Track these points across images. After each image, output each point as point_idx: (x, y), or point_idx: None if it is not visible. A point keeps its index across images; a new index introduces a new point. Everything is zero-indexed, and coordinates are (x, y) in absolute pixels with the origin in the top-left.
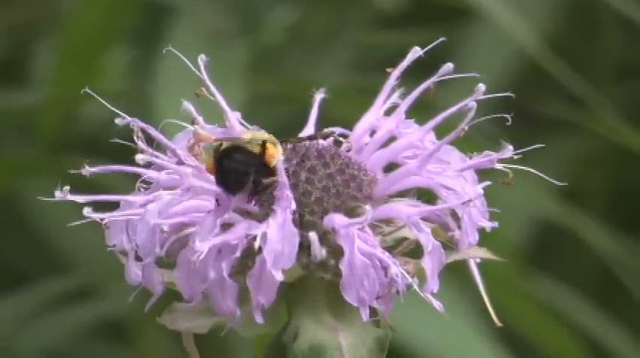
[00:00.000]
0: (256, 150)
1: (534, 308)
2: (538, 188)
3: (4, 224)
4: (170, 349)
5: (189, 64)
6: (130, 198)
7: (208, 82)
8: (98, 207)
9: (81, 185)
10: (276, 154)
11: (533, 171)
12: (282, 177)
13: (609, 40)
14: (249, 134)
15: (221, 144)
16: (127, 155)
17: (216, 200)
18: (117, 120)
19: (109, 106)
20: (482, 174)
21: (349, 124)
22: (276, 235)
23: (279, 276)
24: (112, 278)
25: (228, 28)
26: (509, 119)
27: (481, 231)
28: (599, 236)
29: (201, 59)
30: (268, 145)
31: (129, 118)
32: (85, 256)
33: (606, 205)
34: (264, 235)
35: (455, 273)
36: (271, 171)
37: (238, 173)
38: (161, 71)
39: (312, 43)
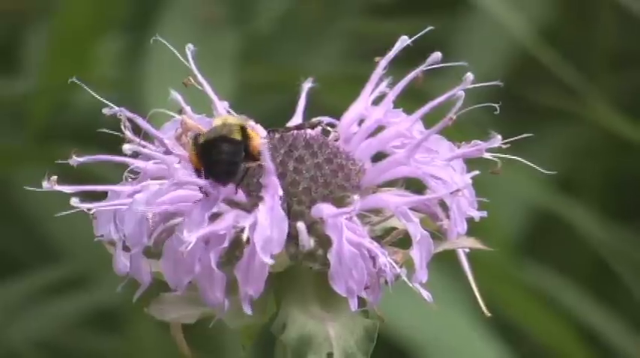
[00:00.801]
0: (237, 137)
1: (528, 297)
2: (533, 178)
3: None
4: (161, 338)
5: (177, 53)
6: (117, 187)
7: (196, 72)
8: (86, 196)
9: (72, 174)
10: (259, 141)
11: (521, 160)
12: (268, 163)
13: (606, 28)
14: (220, 119)
15: (198, 137)
16: (118, 144)
17: (204, 193)
18: (104, 110)
19: (98, 96)
20: (475, 163)
21: (342, 113)
22: (265, 220)
23: (268, 261)
24: (104, 267)
25: (219, 17)
26: (499, 108)
27: (476, 220)
28: (593, 225)
29: (189, 48)
30: (250, 133)
31: (116, 108)
32: (77, 245)
33: (601, 194)
34: (253, 225)
35: (448, 262)
36: (255, 158)
37: (228, 163)
38: (151, 60)
39: (305, 32)
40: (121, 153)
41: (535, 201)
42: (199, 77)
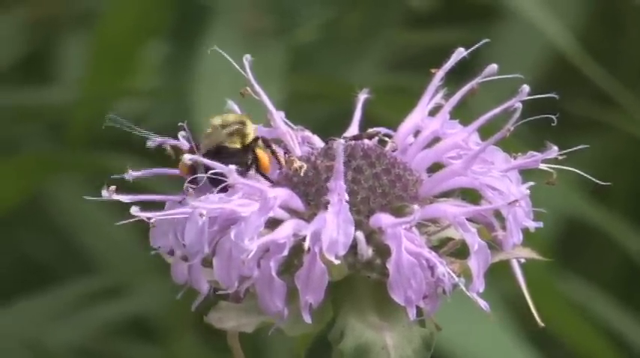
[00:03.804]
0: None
1: (562, 305)
2: (567, 187)
3: (33, 222)
4: (198, 347)
5: (232, 61)
6: (177, 197)
7: (253, 82)
8: (140, 206)
9: (113, 182)
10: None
11: (575, 170)
12: (339, 166)
13: (635, 39)
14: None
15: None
16: (160, 151)
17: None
18: (149, 143)
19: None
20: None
21: (383, 122)
22: (332, 223)
23: (334, 261)
24: (140, 276)
25: (264, 27)
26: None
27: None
28: (627, 234)
29: (247, 59)
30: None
31: (161, 139)
32: (113, 255)
33: (632, 203)
34: (314, 234)
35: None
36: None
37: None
38: (200, 70)
39: (347, 42)
40: (165, 162)
41: (570, 210)
42: (256, 87)
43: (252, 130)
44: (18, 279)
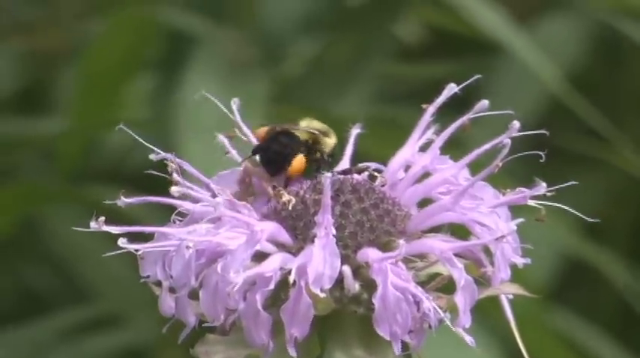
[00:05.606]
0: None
1: (555, 341)
2: (560, 223)
3: (28, 251)
4: None
5: (216, 95)
6: (165, 229)
7: (241, 124)
8: (130, 237)
9: (104, 213)
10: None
11: (565, 207)
12: (327, 199)
13: (633, 74)
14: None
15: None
16: (149, 183)
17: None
18: (152, 156)
19: (143, 141)
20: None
21: (369, 156)
22: (319, 256)
23: (320, 294)
24: (133, 307)
25: (250, 59)
26: (543, 156)
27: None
28: (621, 271)
29: (234, 102)
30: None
31: (164, 154)
32: (106, 284)
33: (629, 241)
34: (300, 268)
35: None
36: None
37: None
38: (184, 102)
39: (334, 75)
40: (152, 193)
41: (563, 246)
42: (244, 128)
43: (325, 144)
44: (13, 308)
